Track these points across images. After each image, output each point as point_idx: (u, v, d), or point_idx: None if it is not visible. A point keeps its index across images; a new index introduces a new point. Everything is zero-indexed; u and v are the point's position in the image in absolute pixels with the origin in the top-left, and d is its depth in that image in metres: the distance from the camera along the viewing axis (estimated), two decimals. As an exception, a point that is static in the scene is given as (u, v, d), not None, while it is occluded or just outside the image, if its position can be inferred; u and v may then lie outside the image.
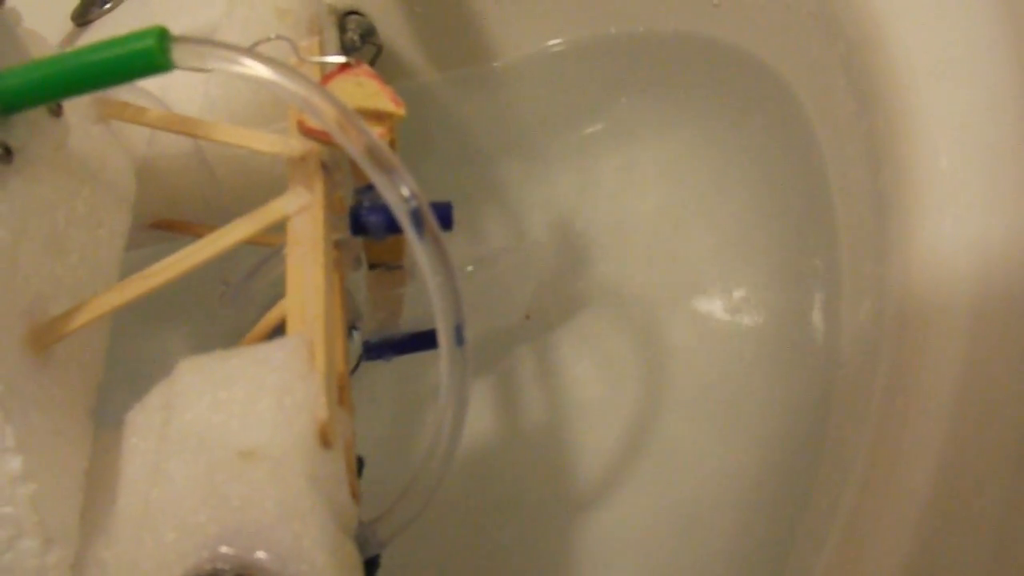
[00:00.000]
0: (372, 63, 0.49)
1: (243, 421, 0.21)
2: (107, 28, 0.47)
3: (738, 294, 0.44)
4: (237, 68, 0.23)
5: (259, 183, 0.36)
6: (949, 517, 0.24)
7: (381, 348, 0.38)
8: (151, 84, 0.35)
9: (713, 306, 0.45)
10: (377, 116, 0.28)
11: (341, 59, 0.29)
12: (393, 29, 0.49)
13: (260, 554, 0.21)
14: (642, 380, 0.45)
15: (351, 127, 0.23)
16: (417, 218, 0.23)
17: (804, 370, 0.40)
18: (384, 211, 0.30)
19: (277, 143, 0.29)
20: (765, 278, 0.44)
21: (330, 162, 0.29)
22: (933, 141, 0.28)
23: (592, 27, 0.48)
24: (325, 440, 0.23)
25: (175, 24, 0.30)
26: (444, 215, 0.30)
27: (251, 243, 0.36)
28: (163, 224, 0.35)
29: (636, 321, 0.46)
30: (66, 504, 0.24)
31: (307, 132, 0.27)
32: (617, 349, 0.46)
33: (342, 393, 0.27)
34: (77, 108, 0.30)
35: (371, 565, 0.27)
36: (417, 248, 0.23)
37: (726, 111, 0.46)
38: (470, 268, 0.44)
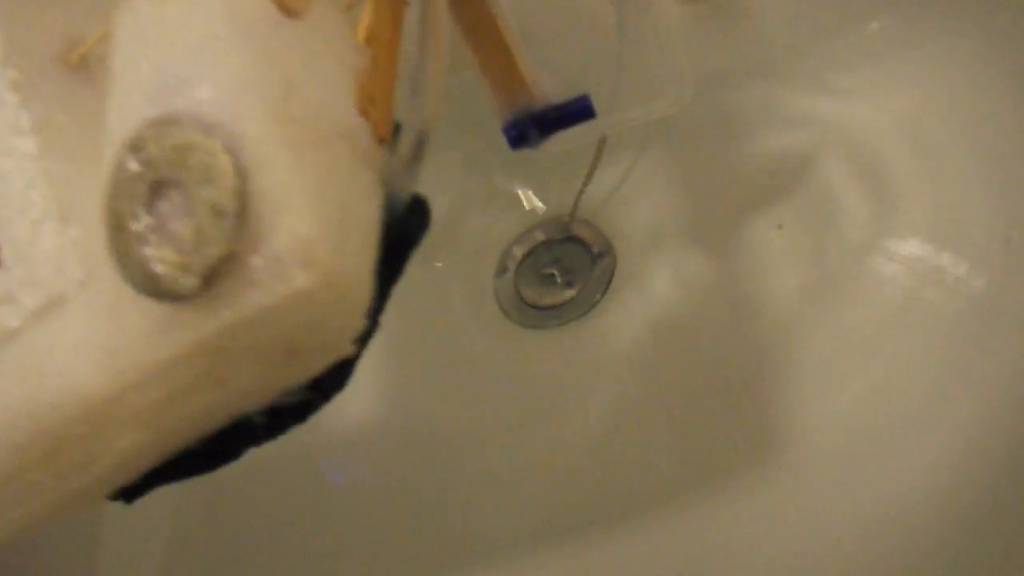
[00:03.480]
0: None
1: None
2: None
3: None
4: None
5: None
6: None
7: (522, 128, 0.33)
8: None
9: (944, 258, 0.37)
10: None
11: None
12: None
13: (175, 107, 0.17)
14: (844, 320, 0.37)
15: None
16: None
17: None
18: None
19: None
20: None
21: None
22: None
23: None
24: (283, 4, 0.18)
25: None
26: None
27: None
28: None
29: (846, 253, 0.39)
30: (84, 193, 0.22)
31: None
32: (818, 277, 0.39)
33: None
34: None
35: (418, 218, 0.22)
36: None
37: (990, 34, 0.39)
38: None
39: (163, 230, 0.17)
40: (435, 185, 0.46)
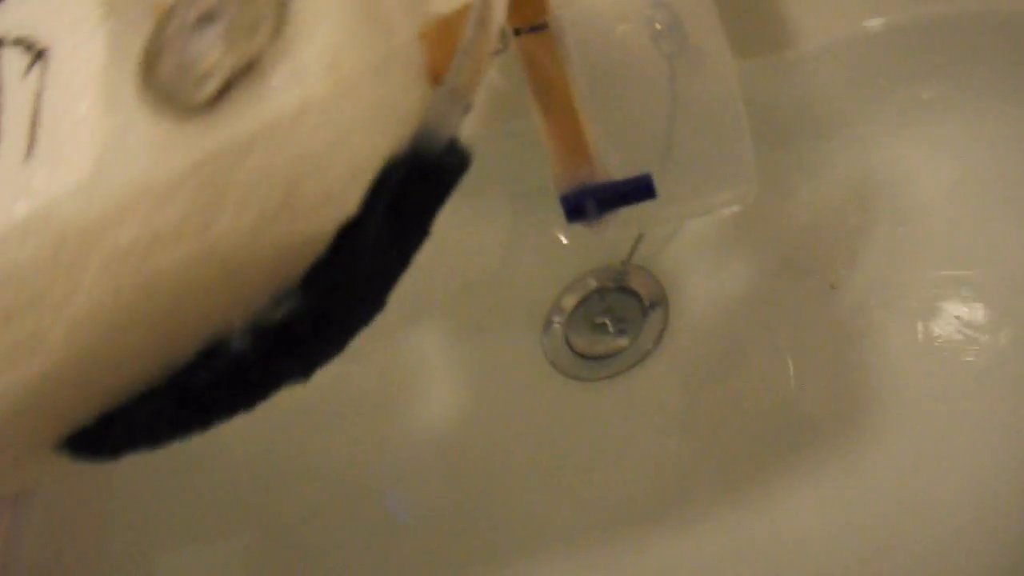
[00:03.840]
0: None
1: None
2: None
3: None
4: None
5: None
6: None
7: (579, 200, 0.32)
8: None
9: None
10: None
11: None
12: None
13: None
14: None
15: None
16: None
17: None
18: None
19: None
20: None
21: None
22: None
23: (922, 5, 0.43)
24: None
25: None
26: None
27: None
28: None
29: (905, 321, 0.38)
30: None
31: None
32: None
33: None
34: None
35: (454, 160, 0.20)
36: None
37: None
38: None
39: (196, 46, 0.16)
40: (485, 231, 0.46)
